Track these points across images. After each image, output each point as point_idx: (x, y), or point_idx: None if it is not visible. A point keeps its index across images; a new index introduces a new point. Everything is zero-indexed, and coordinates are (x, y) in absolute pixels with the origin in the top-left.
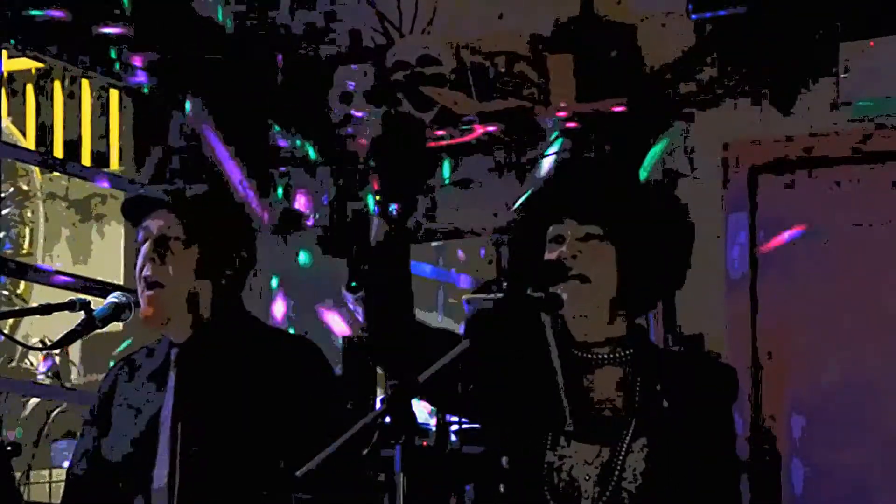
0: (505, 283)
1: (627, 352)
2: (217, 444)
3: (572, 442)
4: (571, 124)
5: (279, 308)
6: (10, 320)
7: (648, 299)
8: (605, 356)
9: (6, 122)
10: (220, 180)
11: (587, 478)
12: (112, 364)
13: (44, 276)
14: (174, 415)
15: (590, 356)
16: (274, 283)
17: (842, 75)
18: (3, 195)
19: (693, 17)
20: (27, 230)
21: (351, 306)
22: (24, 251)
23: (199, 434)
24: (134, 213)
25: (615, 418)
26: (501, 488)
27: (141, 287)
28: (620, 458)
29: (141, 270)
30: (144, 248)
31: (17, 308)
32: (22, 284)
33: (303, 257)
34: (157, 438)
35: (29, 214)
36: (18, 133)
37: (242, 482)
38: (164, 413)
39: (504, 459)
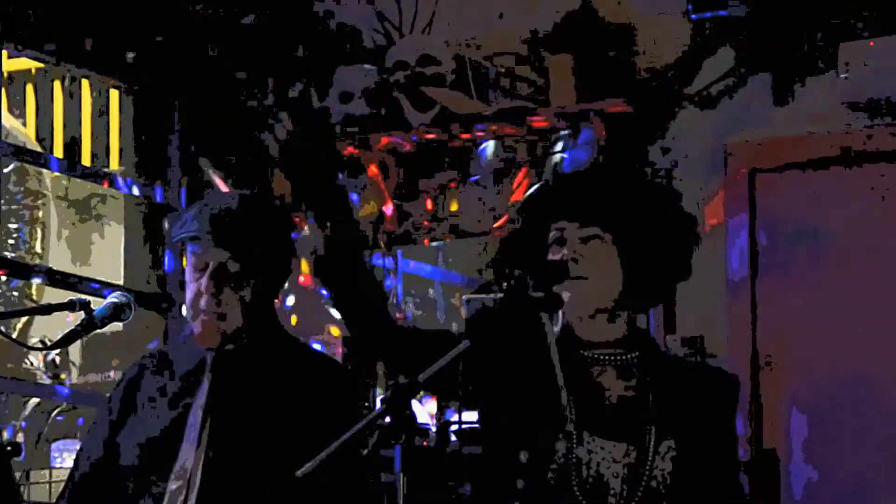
0: (505, 283)
1: (634, 354)
2: (241, 455)
3: (596, 438)
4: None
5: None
6: (22, 321)
7: (651, 297)
8: (612, 357)
9: (13, 122)
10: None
11: (616, 475)
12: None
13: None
14: (203, 419)
15: (597, 356)
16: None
17: (842, 75)
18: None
19: (693, 17)
20: (38, 230)
21: None
22: (35, 252)
23: (226, 442)
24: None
25: (633, 418)
26: (520, 484)
27: (195, 313)
28: (649, 460)
29: (197, 301)
30: (200, 281)
31: (18, 308)
32: (34, 285)
33: None
34: (180, 439)
35: (39, 215)
36: (33, 138)
37: (261, 491)
38: (192, 417)
39: (523, 455)
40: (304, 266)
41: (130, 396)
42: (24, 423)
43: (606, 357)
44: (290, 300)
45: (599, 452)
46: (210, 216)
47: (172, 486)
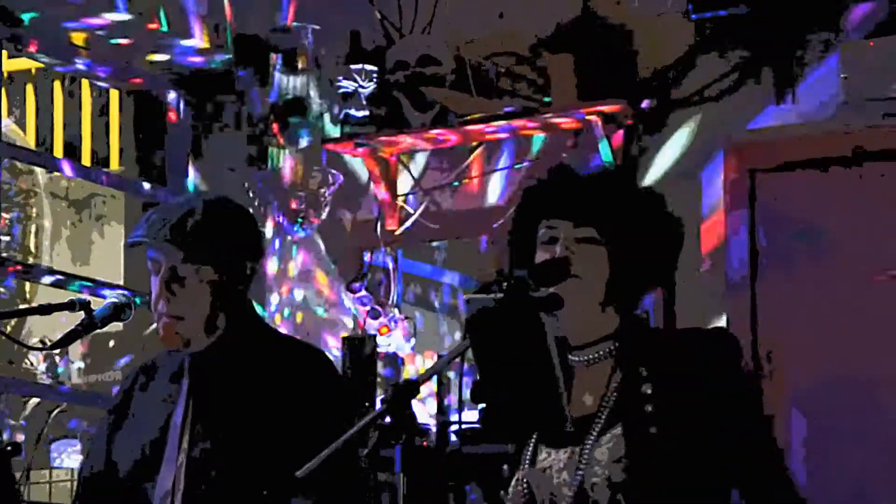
0: (505, 283)
1: (613, 346)
2: (224, 452)
3: (552, 452)
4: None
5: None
6: (14, 320)
7: (634, 298)
8: (595, 356)
9: (7, 121)
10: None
11: (565, 482)
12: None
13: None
14: (184, 421)
15: (581, 359)
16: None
17: (842, 75)
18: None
19: (693, 17)
20: (31, 228)
21: (349, 305)
22: (29, 250)
23: (208, 441)
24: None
25: (588, 417)
26: (503, 494)
27: (157, 316)
28: (586, 452)
29: (156, 304)
30: (156, 284)
31: (17, 308)
32: (27, 284)
33: None
34: (165, 443)
35: (32, 213)
36: (33, 138)
37: (246, 490)
38: (174, 419)
39: (504, 468)
40: (322, 277)
41: (126, 403)
42: (23, 423)
43: (589, 358)
44: (299, 294)
45: (554, 465)
46: (160, 220)
47: (160, 489)
